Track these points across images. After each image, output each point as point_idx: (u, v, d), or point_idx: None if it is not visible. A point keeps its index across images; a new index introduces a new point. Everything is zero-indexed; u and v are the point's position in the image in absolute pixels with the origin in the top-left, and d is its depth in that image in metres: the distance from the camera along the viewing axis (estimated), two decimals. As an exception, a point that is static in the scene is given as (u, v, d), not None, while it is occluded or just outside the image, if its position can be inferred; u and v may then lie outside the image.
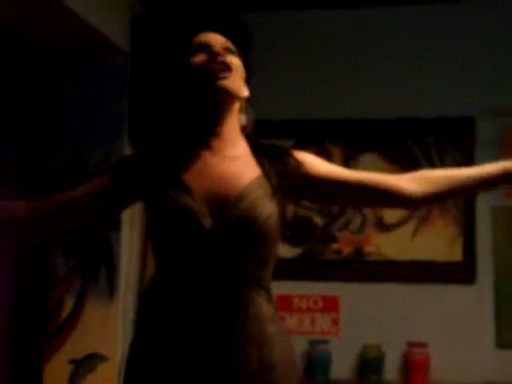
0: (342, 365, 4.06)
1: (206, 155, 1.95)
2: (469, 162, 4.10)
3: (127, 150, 3.79)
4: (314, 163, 2.00)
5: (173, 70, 2.03)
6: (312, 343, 4.03)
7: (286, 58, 4.28)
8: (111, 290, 3.68)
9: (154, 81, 3.71)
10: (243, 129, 2.02)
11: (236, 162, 1.95)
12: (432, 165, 4.13)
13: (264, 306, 1.88)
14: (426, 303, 4.04)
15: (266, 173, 1.94)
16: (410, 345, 3.97)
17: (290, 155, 1.99)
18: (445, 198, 2.16)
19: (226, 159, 1.95)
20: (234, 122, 1.99)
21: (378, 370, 3.99)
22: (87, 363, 3.65)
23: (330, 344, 4.06)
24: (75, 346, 3.66)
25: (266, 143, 2.04)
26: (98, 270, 3.70)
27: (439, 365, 3.96)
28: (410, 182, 2.00)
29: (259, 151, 1.99)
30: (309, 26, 4.31)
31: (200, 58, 1.96)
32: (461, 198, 4.07)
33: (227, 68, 1.93)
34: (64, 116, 3.85)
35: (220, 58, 1.94)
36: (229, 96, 1.94)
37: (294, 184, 1.97)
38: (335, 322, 4.14)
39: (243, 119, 2.02)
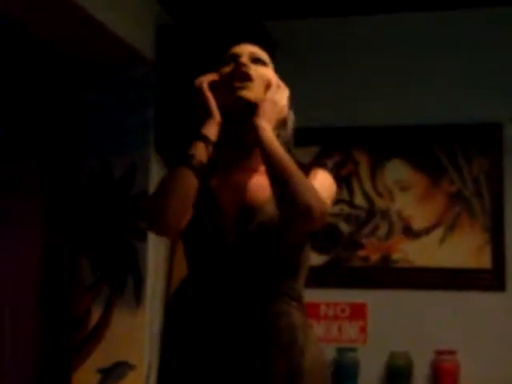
0: (370, 373, 4.03)
1: (232, 167, 1.97)
2: (496, 168, 4.07)
3: (153, 159, 3.80)
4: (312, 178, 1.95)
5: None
6: (339, 351, 4.01)
7: (310, 65, 4.27)
8: (138, 299, 3.69)
9: (179, 89, 3.72)
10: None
11: (257, 173, 1.96)
12: (459, 171, 4.10)
13: (294, 315, 1.88)
14: (454, 311, 4.00)
15: None
16: (439, 353, 3.94)
17: (306, 170, 1.95)
18: None
19: (248, 171, 1.96)
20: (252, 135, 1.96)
21: (407, 378, 3.96)
22: (115, 372, 3.66)
23: (357, 352, 4.03)
24: (103, 355, 3.67)
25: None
26: (124, 279, 3.71)
27: (468, 373, 3.92)
28: None
29: None
30: (331, 33, 4.29)
31: (226, 69, 1.97)
32: (489, 204, 4.03)
33: (247, 78, 1.92)
34: (90, 125, 3.87)
35: (241, 68, 1.93)
36: (248, 105, 1.93)
37: None
38: (363, 330, 4.11)
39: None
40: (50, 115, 3.79)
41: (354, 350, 4.03)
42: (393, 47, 4.25)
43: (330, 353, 3.97)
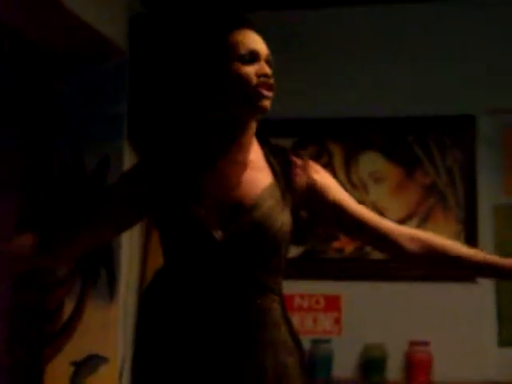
0: (345, 364, 4.05)
1: (220, 161, 1.90)
2: (470, 160, 4.09)
3: (126, 150, 3.77)
4: (325, 184, 1.98)
5: (205, 70, 1.92)
6: (314, 343, 4.02)
7: (284, 56, 4.25)
8: (111, 291, 3.66)
9: (153, 80, 3.69)
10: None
11: (249, 168, 1.91)
12: (433, 163, 4.12)
13: (277, 310, 1.88)
14: (428, 302, 4.03)
15: (278, 180, 1.92)
16: (413, 344, 3.96)
17: (303, 167, 1.96)
18: (433, 268, 2.20)
19: (239, 165, 1.91)
20: (253, 129, 1.95)
21: (381, 369, 3.98)
22: (88, 365, 3.64)
23: (332, 343, 4.04)
24: (76, 348, 3.64)
25: (280, 148, 2.01)
26: (97, 272, 3.69)
27: (441, 364, 3.94)
28: (412, 240, 1.99)
29: (272, 156, 1.96)
30: (306, 26, 4.29)
31: (249, 70, 1.88)
32: (463, 196, 4.06)
33: (272, 89, 1.89)
34: (62, 117, 3.83)
35: (269, 80, 1.89)
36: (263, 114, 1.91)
37: (302, 197, 1.95)
38: (337, 321, 4.12)
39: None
40: (22, 107, 3.75)
41: (328, 341, 4.04)
42: (367, 38, 4.25)
43: (304, 344, 3.95)
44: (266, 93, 1.87)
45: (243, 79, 1.87)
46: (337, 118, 4.23)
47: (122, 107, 3.75)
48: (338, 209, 1.98)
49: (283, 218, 1.87)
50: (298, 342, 1.93)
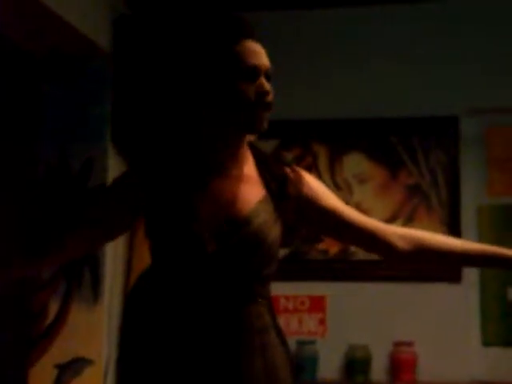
0: (329, 365, 4.05)
1: (213, 174, 1.86)
2: (453, 161, 4.10)
3: (110, 153, 3.76)
4: (317, 193, 1.96)
5: (198, 82, 1.85)
6: (299, 344, 4.02)
7: (270, 58, 4.25)
8: (96, 294, 3.65)
9: (136, 81, 3.68)
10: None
11: (242, 181, 1.87)
12: (416, 164, 4.13)
13: (265, 314, 1.87)
14: (412, 302, 4.04)
15: (270, 192, 1.88)
16: (397, 344, 3.97)
17: (294, 177, 1.93)
18: (426, 263, 2.19)
19: (232, 179, 1.86)
20: (246, 141, 1.91)
21: (365, 370, 3.99)
22: (73, 367, 3.62)
23: (317, 344, 4.05)
24: (60, 351, 3.62)
25: (272, 158, 1.97)
26: (82, 274, 3.67)
27: (426, 364, 3.96)
28: (402, 239, 1.99)
29: (264, 167, 1.92)
30: (291, 27, 4.29)
31: (249, 88, 1.80)
32: (446, 197, 4.08)
33: (271, 107, 1.83)
34: (46, 117, 3.81)
35: (269, 97, 1.82)
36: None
37: (294, 207, 1.93)
38: (322, 322, 4.13)
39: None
40: (6, 108, 3.73)
41: (313, 342, 4.04)
42: (350, 40, 4.26)
43: (290, 345, 3.97)
44: (263, 114, 1.81)
45: (241, 97, 1.81)
46: (321, 119, 4.23)
47: (106, 109, 3.74)
48: (331, 216, 1.97)
49: (275, 231, 1.86)
50: (286, 346, 1.93)
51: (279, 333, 1.91)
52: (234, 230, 1.81)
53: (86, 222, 1.94)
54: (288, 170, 1.94)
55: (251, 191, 1.86)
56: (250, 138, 1.92)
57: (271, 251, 1.86)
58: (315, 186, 1.98)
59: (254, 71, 1.82)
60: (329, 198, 1.99)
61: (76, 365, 3.61)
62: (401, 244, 1.98)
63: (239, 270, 1.82)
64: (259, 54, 1.85)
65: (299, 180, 1.94)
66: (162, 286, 1.85)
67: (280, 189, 1.90)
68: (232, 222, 1.81)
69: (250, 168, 1.91)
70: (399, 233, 2.00)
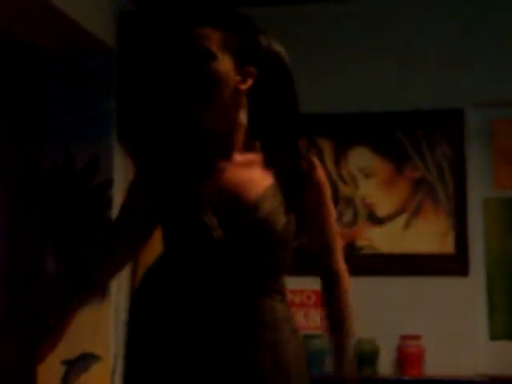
0: (336, 359, 4.04)
1: (218, 161, 1.87)
2: (459, 154, 4.10)
3: (115, 148, 3.76)
4: (319, 197, 1.95)
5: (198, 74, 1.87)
6: (306, 338, 4.01)
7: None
8: (103, 289, 3.65)
9: (141, 77, 3.68)
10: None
11: (248, 168, 1.87)
12: (422, 158, 4.12)
13: (278, 308, 1.86)
14: (419, 296, 4.04)
15: (280, 181, 1.88)
16: (404, 338, 3.97)
17: (307, 168, 1.92)
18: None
19: (238, 165, 1.87)
20: (244, 124, 1.90)
21: (372, 364, 3.99)
22: (80, 363, 3.63)
23: (323, 339, 4.04)
24: (68, 347, 3.63)
25: (285, 147, 1.95)
26: (89, 270, 3.67)
27: (433, 357, 3.95)
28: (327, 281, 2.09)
29: (272, 156, 1.91)
30: (296, 20, 4.28)
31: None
32: (452, 190, 4.07)
33: None
34: (51, 115, 3.81)
35: None
36: None
37: (303, 198, 1.92)
38: (328, 317, 4.12)
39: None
40: (10, 106, 3.73)
41: (320, 336, 4.04)
42: (355, 34, 4.25)
43: (296, 340, 3.98)
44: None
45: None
46: (326, 113, 4.23)
47: (111, 105, 3.74)
48: (312, 225, 1.98)
49: (286, 220, 1.85)
50: (299, 340, 1.92)
51: (292, 326, 1.90)
52: (241, 216, 1.80)
53: (121, 236, 1.96)
54: (303, 161, 1.93)
55: (258, 178, 1.86)
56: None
57: (282, 240, 1.85)
58: (325, 189, 1.97)
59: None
60: (323, 211, 1.98)
61: (84, 361, 3.62)
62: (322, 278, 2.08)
63: (249, 258, 1.82)
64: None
65: (314, 173, 1.94)
66: (170, 279, 1.85)
67: (292, 179, 1.89)
68: (239, 209, 1.81)
69: (256, 156, 1.90)
70: (330, 275, 2.08)
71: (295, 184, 1.89)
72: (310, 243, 2.06)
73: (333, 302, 2.07)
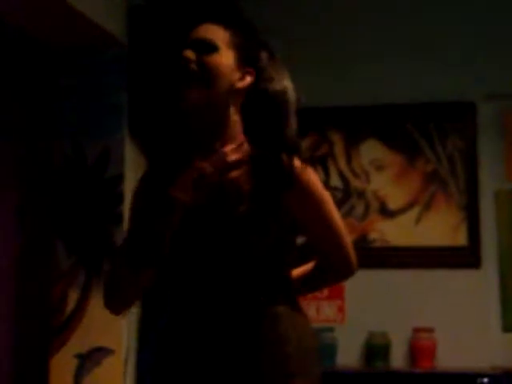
0: (348, 352, 4.05)
1: (200, 157, 1.81)
2: (471, 146, 4.08)
3: (127, 142, 3.76)
4: (308, 200, 1.91)
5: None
6: (318, 331, 4.01)
7: (283, 44, 4.24)
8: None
9: (152, 71, 3.68)
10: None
11: (235, 168, 1.82)
12: (434, 150, 4.11)
13: (279, 308, 1.86)
14: (431, 289, 4.03)
15: (260, 180, 1.84)
16: (416, 330, 3.96)
17: (299, 174, 1.87)
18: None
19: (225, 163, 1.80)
20: (236, 121, 1.89)
21: (385, 357, 3.98)
22: (93, 357, 3.64)
23: (335, 332, 4.04)
24: (80, 340, 3.64)
25: (268, 148, 1.91)
26: (101, 263, 3.68)
27: (445, 350, 3.95)
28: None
29: (260, 156, 1.87)
30: (304, 12, 4.28)
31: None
32: (464, 183, 4.05)
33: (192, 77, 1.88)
34: (63, 109, 3.82)
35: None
36: None
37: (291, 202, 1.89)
38: (341, 310, 4.13)
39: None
40: (22, 99, 3.75)
41: (332, 329, 4.04)
42: (368, 28, 4.24)
43: (308, 333, 3.98)
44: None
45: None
46: (337, 106, 4.22)
47: (122, 98, 3.74)
48: (309, 222, 2.00)
49: (277, 225, 1.85)
50: (305, 338, 1.91)
51: (296, 324, 1.88)
52: (231, 222, 1.79)
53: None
54: (292, 167, 1.88)
55: (246, 178, 1.83)
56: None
57: (277, 245, 1.86)
58: (305, 189, 1.91)
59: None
60: (313, 211, 1.95)
61: (96, 354, 3.63)
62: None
63: (246, 265, 1.81)
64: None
65: (303, 176, 1.89)
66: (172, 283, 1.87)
67: (272, 179, 1.85)
68: (228, 212, 1.79)
69: (244, 152, 1.84)
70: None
71: (275, 185, 1.84)
72: (316, 246, 2.10)
73: (320, 284, 2.16)
